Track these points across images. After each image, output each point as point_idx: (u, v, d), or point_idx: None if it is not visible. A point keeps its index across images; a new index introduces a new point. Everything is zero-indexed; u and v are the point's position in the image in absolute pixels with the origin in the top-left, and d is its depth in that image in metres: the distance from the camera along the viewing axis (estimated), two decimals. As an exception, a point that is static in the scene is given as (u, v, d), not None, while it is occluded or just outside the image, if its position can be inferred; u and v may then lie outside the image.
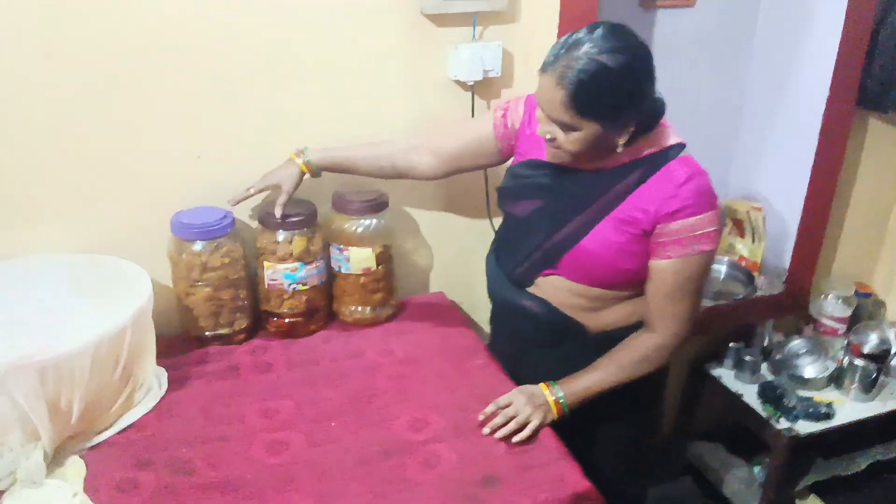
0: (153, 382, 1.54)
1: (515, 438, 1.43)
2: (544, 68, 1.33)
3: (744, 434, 2.51)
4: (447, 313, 1.92)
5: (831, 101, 2.24)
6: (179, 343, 1.71)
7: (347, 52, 1.76)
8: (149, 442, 1.40)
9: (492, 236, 2.00)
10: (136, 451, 1.37)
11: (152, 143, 1.67)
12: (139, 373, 1.47)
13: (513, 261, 1.63)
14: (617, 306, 1.57)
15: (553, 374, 1.55)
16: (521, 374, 1.64)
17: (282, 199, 1.66)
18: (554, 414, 1.49)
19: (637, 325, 1.56)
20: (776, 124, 2.42)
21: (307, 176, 1.69)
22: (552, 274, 1.57)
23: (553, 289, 1.58)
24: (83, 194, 1.66)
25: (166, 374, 1.58)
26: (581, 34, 1.30)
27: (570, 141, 1.37)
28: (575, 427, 1.52)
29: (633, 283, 1.53)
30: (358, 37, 1.75)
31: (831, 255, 2.62)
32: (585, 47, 1.28)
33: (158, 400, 1.51)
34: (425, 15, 1.78)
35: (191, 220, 1.64)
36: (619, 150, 1.40)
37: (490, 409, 1.49)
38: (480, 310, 2.14)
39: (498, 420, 1.45)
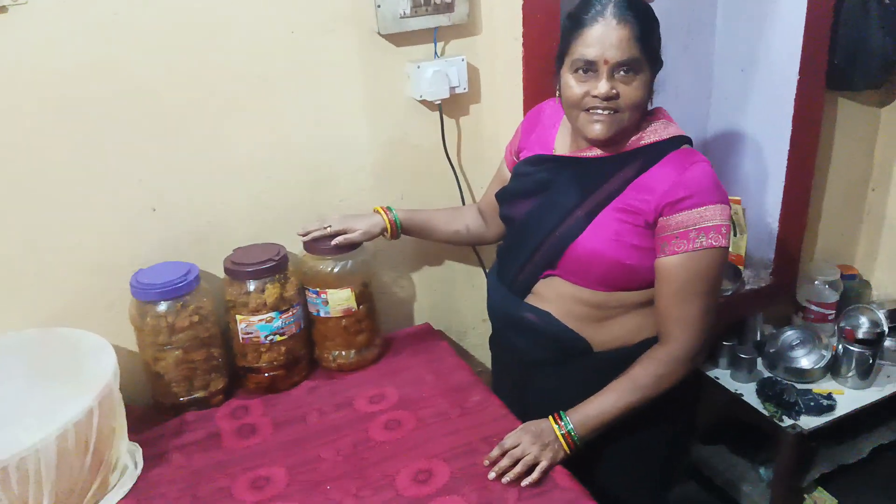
0: (128, 461, 1.41)
1: (525, 482, 1.32)
2: (594, 17, 1.30)
3: (746, 433, 2.44)
4: (437, 346, 1.81)
5: (801, 85, 2.18)
6: (152, 413, 1.57)
7: (304, 82, 1.64)
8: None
9: (474, 258, 1.92)
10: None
11: (101, 200, 1.53)
12: (112, 454, 1.35)
13: (514, 267, 1.52)
14: (623, 318, 1.47)
15: (561, 401, 1.44)
16: (527, 400, 1.54)
17: (346, 235, 1.62)
18: (566, 450, 1.38)
19: (647, 345, 1.46)
20: (747, 113, 2.36)
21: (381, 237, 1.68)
22: (552, 275, 1.46)
23: (554, 295, 1.47)
24: (28, 264, 1.51)
25: (141, 450, 1.45)
26: None
27: (635, 88, 1.32)
28: (594, 457, 1.41)
29: (637, 286, 1.43)
30: (314, 66, 1.64)
31: (813, 239, 2.56)
32: None
33: (135, 480, 1.38)
34: (382, 35, 1.67)
35: (151, 280, 1.50)
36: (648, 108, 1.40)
37: (495, 452, 1.38)
38: (468, 335, 2.04)
39: (504, 463, 1.35)
